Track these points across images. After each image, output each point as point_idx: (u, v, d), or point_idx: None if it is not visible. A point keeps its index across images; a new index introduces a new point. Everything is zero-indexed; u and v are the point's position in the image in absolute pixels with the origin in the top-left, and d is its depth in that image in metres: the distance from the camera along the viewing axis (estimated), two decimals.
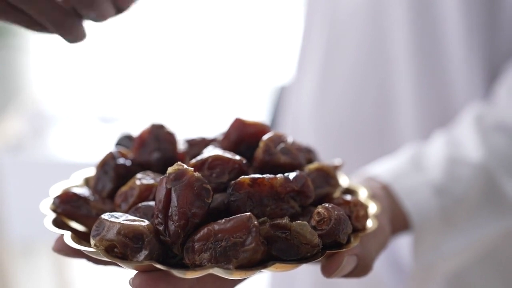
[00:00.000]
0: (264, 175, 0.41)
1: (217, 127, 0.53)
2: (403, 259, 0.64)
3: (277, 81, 2.20)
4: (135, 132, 0.50)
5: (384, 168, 0.59)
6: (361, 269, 0.43)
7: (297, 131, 0.87)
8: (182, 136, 0.52)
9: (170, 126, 0.49)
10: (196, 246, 0.38)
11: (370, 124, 0.80)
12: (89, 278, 2.19)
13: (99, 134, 2.02)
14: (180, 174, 0.39)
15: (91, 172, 0.49)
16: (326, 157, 0.61)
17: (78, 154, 1.89)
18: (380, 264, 0.64)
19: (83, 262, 0.43)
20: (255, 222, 0.38)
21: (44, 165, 1.86)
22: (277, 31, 2.74)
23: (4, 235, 1.82)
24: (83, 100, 2.42)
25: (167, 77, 2.89)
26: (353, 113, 0.82)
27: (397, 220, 0.55)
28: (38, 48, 2.91)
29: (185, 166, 0.40)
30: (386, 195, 0.56)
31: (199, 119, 2.40)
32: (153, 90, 2.77)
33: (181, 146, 0.50)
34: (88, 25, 0.46)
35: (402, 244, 0.64)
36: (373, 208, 0.46)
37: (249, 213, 0.38)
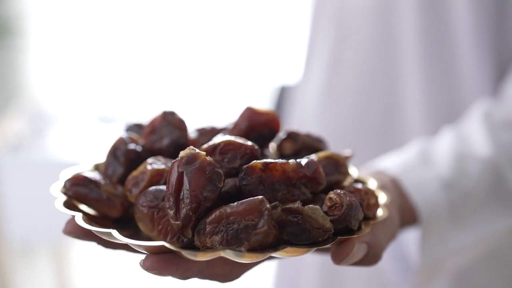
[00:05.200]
0: (276, 160, 0.41)
1: (220, 123, 0.52)
2: (410, 254, 0.64)
3: (279, 81, 2.20)
4: (145, 120, 0.50)
5: (393, 162, 0.59)
6: (370, 257, 0.43)
7: (303, 129, 0.87)
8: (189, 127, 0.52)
9: (181, 114, 0.48)
10: (207, 229, 0.37)
11: (378, 122, 0.80)
12: (88, 278, 2.18)
13: (99, 134, 2.02)
14: (192, 158, 0.39)
15: (101, 158, 0.49)
16: None
17: (78, 154, 1.89)
18: (386, 260, 0.64)
19: (83, 257, 0.43)
20: (268, 206, 0.38)
21: (44, 165, 1.85)
22: (282, 29, 2.73)
23: (4, 235, 1.81)
24: (83, 100, 2.42)
25: (168, 76, 2.88)
26: (360, 111, 0.81)
27: (406, 213, 0.55)
28: (38, 48, 2.91)
29: (197, 150, 0.40)
30: (394, 188, 0.56)
31: (202, 116, 2.39)
32: (153, 90, 2.76)
33: (192, 134, 0.50)
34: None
35: (409, 239, 0.64)
36: (383, 198, 0.46)
37: (261, 196, 0.38)
